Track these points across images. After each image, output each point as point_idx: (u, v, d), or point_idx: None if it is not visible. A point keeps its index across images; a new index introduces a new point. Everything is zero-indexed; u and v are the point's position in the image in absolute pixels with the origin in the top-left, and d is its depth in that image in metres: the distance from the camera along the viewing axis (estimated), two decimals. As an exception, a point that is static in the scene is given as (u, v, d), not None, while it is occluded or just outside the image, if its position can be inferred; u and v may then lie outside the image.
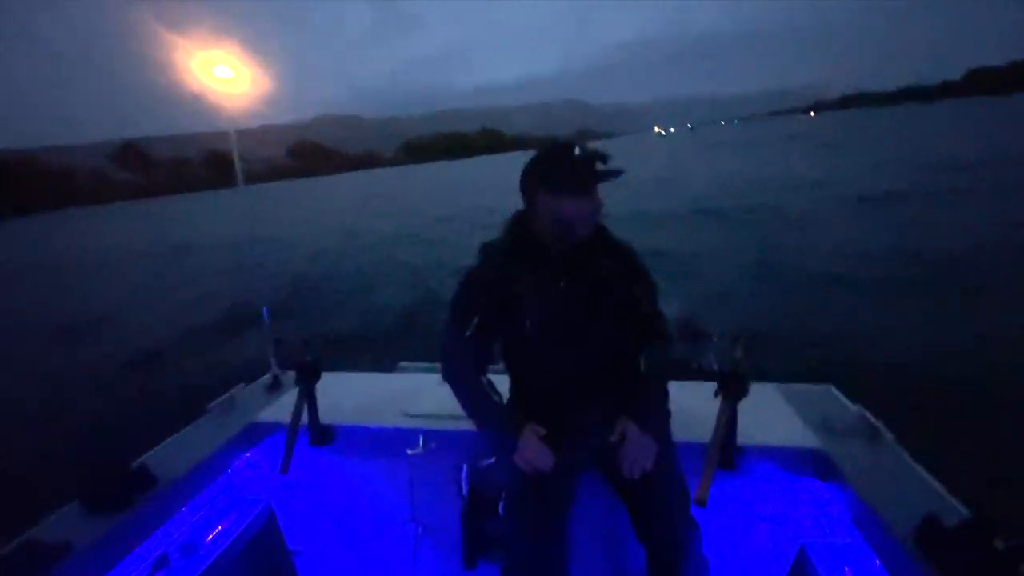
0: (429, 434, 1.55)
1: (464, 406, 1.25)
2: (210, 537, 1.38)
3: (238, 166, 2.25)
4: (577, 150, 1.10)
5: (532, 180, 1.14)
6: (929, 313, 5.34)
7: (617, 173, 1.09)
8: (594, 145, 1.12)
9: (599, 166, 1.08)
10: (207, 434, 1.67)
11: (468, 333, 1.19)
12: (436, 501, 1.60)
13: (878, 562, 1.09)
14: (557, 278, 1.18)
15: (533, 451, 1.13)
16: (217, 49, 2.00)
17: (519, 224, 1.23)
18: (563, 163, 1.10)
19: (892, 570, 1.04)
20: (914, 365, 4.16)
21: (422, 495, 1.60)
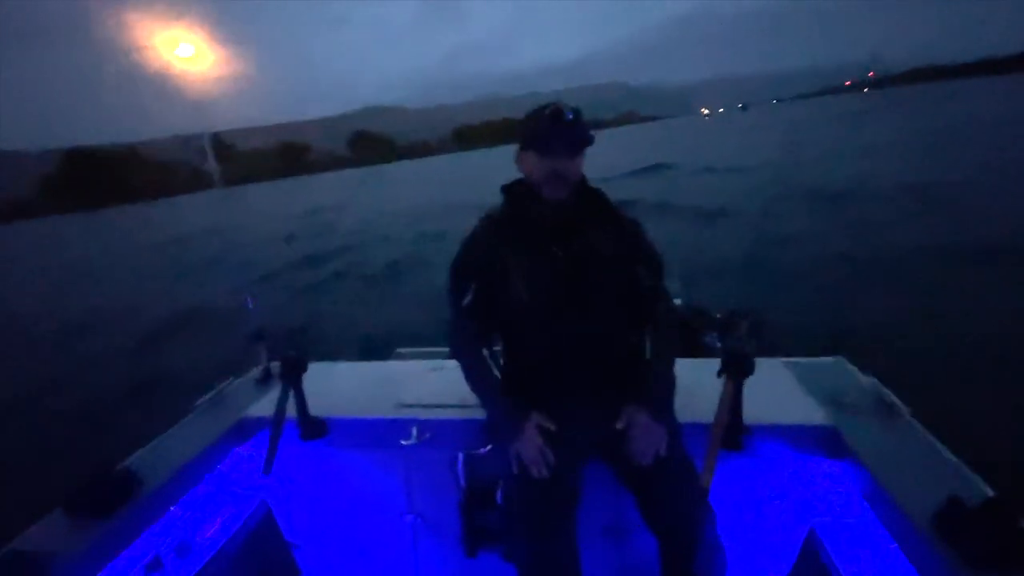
0: (423, 424, 1.48)
1: (468, 380, 1.22)
2: (205, 536, 1.35)
3: (213, 166, 2.04)
4: (551, 111, 1.08)
5: (520, 143, 1.15)
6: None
7: (587, 141, 1.09)
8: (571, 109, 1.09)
9: (574, 130, 1.08)
10: (196, 431, 1.55)
11: (466, 301, 1.16)
12: (433, 491, 1.53)
13: (893, 543, 1.04)
14: (551, 245, 1.13)
15: (534, 450, 1.07)
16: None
17: (512, 191, 1.20)
18: (538, 123, 1.09)
19: (908, 551, 0.99)
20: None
21: (419, 486, 1.55)
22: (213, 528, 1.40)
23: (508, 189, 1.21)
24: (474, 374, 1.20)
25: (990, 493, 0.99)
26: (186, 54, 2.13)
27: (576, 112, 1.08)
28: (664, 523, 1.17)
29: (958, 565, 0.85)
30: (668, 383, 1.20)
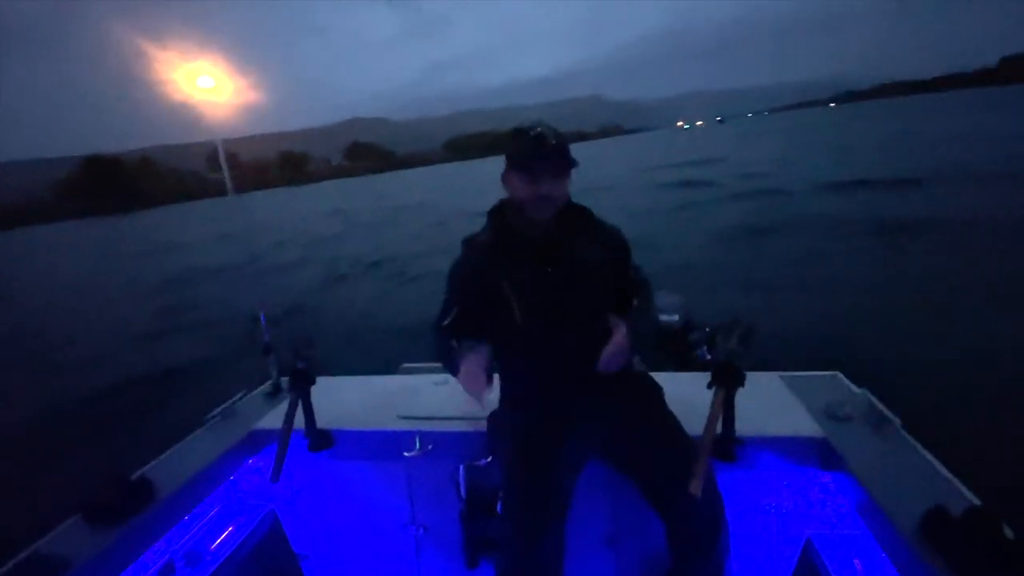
0: (425, 435, 1.45)
1: (440, 360, 1.16)
2: (215, 544, 1.32)
3: (227, 174, 2.04)
4: (535, 135, 1.06)
5: (506, 163, 1.10)
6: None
7: (571, 164, 1.07)
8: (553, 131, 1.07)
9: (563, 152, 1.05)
10: (208, 443, 1.53)
11: (447, 321, 1.12)
12: (435, 502, 1.51)
13: (883, 554, 1.01)
14: (542, 265, 1.10)
15: (470, 374, 1.01)
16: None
17: (498, 215, 1.16)
18: (523, 146, 1.06)
19: (897, 562, 0.96)
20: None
21: (421, 497, 1.53)
22: (223, 537, 1.37)
23: (493, 213, 1.17)
24: (441, 351, 1.14)
25: (976, 502, 0.96)
26: (197, 70, 1.95)
27: (560, 136, 1.06)
28: (675, 506, 1.12)
29: (945, 574, 0.82)
30: (645, 318, 1.19)
